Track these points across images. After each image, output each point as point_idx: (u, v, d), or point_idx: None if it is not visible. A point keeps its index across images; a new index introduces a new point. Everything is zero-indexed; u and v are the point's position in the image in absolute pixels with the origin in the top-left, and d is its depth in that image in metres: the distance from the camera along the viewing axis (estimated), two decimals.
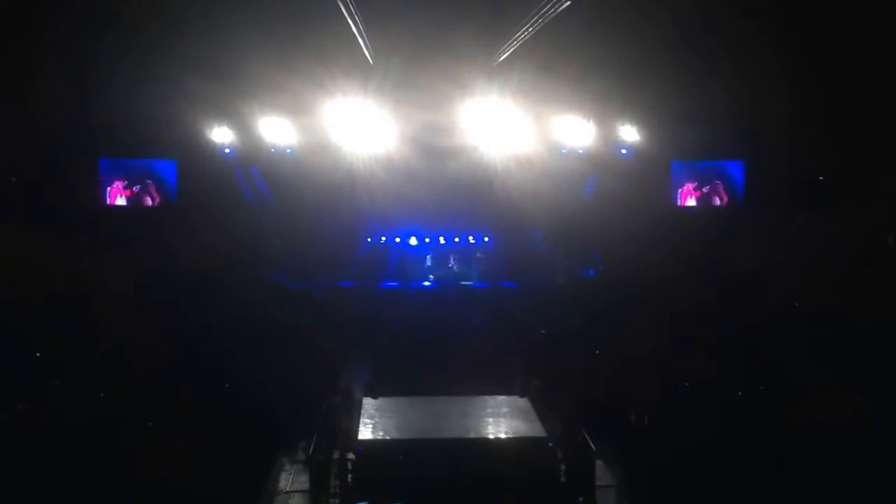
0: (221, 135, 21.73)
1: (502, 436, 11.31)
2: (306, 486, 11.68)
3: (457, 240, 24.32)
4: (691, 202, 23.19)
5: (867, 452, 10.60)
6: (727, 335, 15.93)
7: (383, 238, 24.32)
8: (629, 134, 21.82)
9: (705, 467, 10.30)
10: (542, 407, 12.70)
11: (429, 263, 24.25)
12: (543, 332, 17.73)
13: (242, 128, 21.69)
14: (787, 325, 16.37)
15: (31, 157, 19.75)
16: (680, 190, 23.27)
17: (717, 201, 23.15)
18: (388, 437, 11.19)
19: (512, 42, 18.59)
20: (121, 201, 22.49)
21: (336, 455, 11.94)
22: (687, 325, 16.15)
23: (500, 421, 11.77)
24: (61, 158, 20.49)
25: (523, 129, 21.17)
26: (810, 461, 10.35)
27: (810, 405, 11.97)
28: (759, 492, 9.97)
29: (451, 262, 24.36)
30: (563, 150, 22.10)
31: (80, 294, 17.10)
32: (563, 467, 11.38)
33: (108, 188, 22.52)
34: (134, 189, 22.53)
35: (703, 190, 23.16)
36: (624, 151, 22.26)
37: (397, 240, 24.29)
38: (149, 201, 22.57)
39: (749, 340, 15.71)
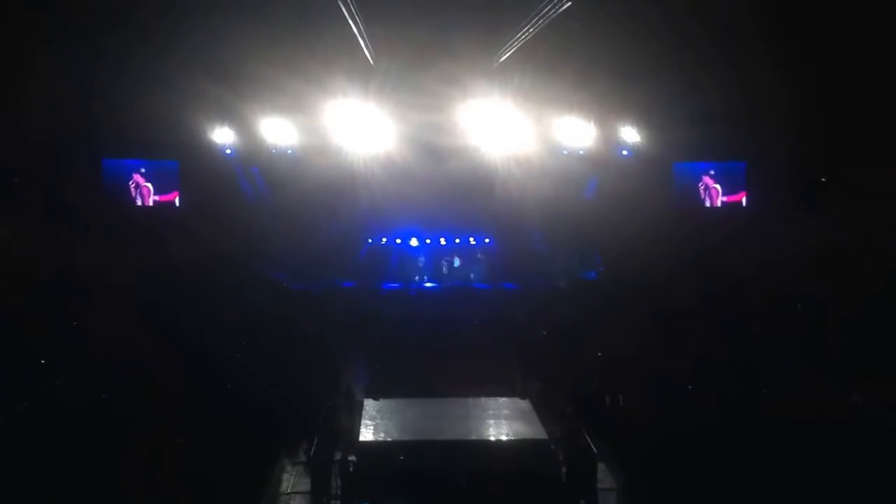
0: (223, 135, 21.72)
1: (503, 437, 11.34)
2: (307, 487, 11.71)
3: (457, 241, 24.32)
4: (695, 202, 23.18)
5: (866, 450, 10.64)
6: (727, 335, 15.93)
7: (384, 239, 24.33)
8: (630, 135, 21.80)
9: (706, 470, 10.29)
10: (544, 408, 12.73)
11: (421, 264, 24.25)
12: (545, 332, 17.74)
13: (244, 128, 21.69)
14: (787, 324, 16.37)
15: (34, 157, 19.74)
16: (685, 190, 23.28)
17: (718, 202, 23.15)
18: (389, 439, 11.23)
19: (512, 43, 18.60)
20: (124, 202, 22.47)
21: (337, 456, 11.95)
22: (686, 324, 16.16)
23: (502, 422, 11.81)
24: (64, 159, 20.48)
25: (524, 130, 21.17)
26: (811, 461, 10.35)
27: (811, 405, 11.98)
28: (761, 494, 9.97)
29: (455, 263, 24.34)
30: (564, 151, 22.08)
31: (81, 294, 17.09)
32: (564, 469, 11.39)
33: (111, 189, 22.52)
34: (137, 190, 22.54)
35: (704, 191, 23.17)
36: (625, 153, 22.24)
37: (398, 241, 24.30)
38: (151, 202, 22.56)
39: (749, 340, 15.71)
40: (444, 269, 24.22)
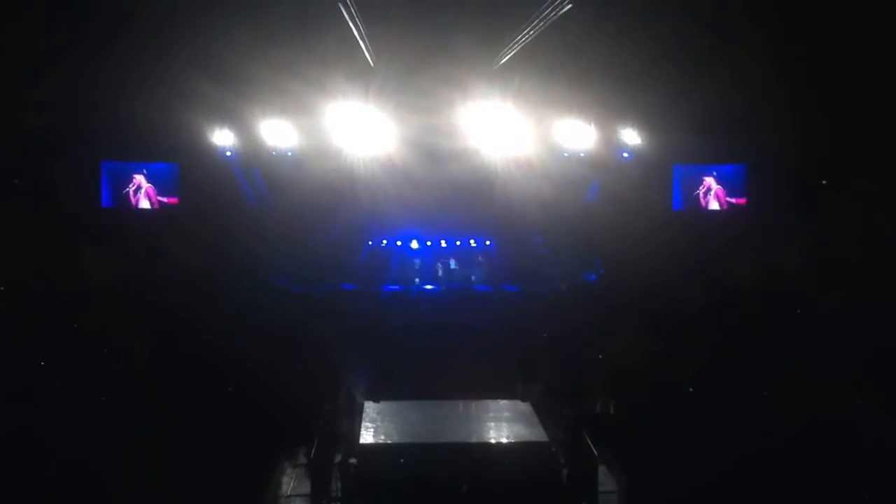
0: (223, 137, 21.70)
1: (504, 440, 11.31)
2: (308, 490, 11.67)
3: (458, 243, 24.29)
4: (696, 205, 23.16)
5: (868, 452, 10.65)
6: (728, 337, 15.93)
7: (384, 241, 24.31)
8: (630, 137, 21.79)
9: (708, 473, 10.27)
10: (544, 411, 12.71)
11: (418, 266, 24.23)
12: (545, 335, 17.71)
13: (244, 130, 21.67)
14: (788, 327, 16.38)
15: (34, 159, 19.75)
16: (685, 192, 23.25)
17: (719, 205, 23.13)
18: (389, 441, 11.21)
19: (513, 45, 18.60)
20: (122, 204, 22.47)
21: (337, 459, 11.94)
22: (687, 327, 16.14)
23: (502, 425, 11.78)
24: (64, 161, 20.48)
25: (524, 133, 21.15)
26: (813, 463, 10.34)
27: (813, 407, 11.97)
28: (763, 497, 9.95)
29: (451, 265, 24.30)
30: (565, 154, 22.07)
31: (81, 296, 17.09)
32: (565, 472, 11.37)
33: (111, 191, 22.52)
34: (136, 192, 22.53)
35: (705, 194, 23.15)
36: (625, 155, 22.23)
37: (398, 243, 24.27)
38: (151, 204, 22.56)
39: (750, 342, 15.71)
40: (440, 272, 24.21)
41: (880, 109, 18.43)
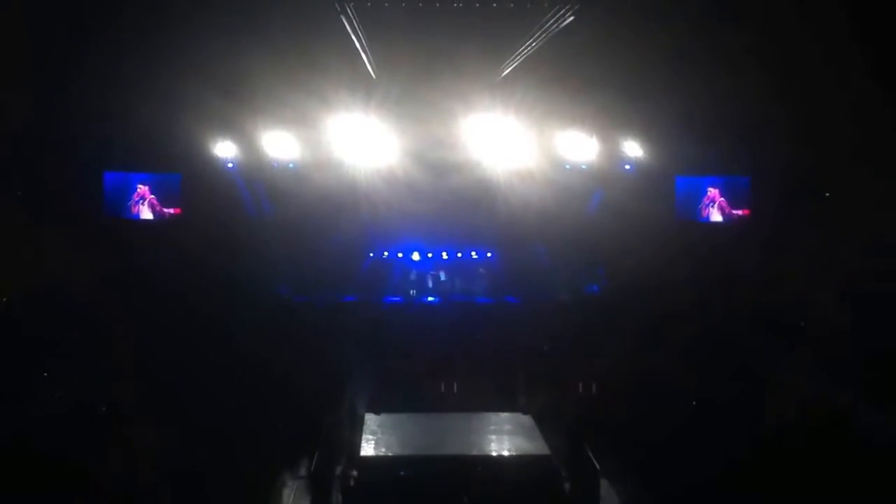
0: (225, 149, 21.75)
1: (505, 453, 11.28)
2: (308, 502, 11.61)
3: (459, 255, 24.27)
4: (698, 216, 23.13)
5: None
6: (731, 348, 15.90)
7: (386, 253, 24.28)
8: (632, 149, 21.78)
9: (711, 485, 10.21)
10: (546, 424, 12.66)
11: (413, 278, 24.20)
12: (547, 347, 17.67)
13: (246, 142, 21.71)
14: (789, 336, 16.38)
15: (36, 168, 19.80)
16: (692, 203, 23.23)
17: (722, 216, 23.09)
18: (390, 454, 11.18)
19: (515, 57, 18.64)
20: (125, 214, 22.50)
21: (338, 471, 11.89)
22: (689, 338, 16.11)
23: (503, 438, 11.75)
24: (66, 171, 20.53)
25: (526, 144, 21.16)
26: (817, 469, 10.31)
27: (815, 415, 11.96)
28: None
29: (441, 277, 24.28)
30: (567, 166, 22.06)
31: (82, 305, 17.09)
32: (566, 485, 11.31)
33: (114, 201, 22.56)
34: (139, 202, 22.56)
35: (707, 205, 23.13)
36: (627, 167, 22.23)
37: (400, 255, 24.25)
38: (153, 214, 22.58)
39: (752, 351, 15.69)
40: (430, 284, 24.19)
41: (883, 119, 18.43)
